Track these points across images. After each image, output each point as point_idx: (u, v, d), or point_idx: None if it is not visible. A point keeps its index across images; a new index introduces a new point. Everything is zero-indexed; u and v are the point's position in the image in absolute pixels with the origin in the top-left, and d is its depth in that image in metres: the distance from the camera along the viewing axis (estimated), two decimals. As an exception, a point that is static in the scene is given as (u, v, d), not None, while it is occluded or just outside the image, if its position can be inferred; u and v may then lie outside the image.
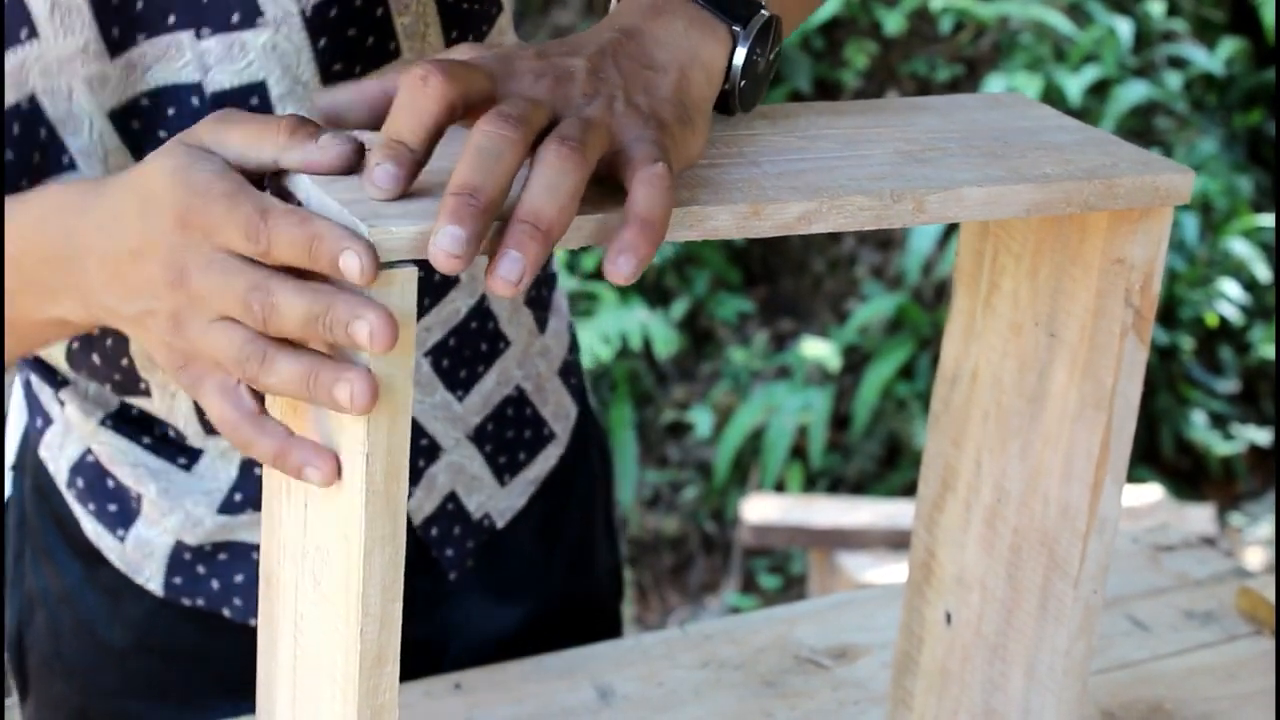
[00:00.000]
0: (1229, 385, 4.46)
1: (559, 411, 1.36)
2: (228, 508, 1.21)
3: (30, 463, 1.30)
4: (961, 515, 1.07)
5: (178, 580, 1.25)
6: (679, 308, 4.36)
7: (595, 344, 4.13)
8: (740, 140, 0.90)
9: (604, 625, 1.47)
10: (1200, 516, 3.50)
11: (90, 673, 1.30)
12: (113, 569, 1.26)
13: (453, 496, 1.28)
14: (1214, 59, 4.53)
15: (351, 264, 0.76)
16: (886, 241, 4.50)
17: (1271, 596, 1.41)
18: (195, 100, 1.08)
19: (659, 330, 4.21)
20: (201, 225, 0.82)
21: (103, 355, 1.16)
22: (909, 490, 4.03)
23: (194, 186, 0.82)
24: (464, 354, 1.25)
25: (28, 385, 1.28)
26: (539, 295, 1.32)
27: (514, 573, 1.36)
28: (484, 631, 1.34)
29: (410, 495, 1.22)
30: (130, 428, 1.21)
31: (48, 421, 1.26)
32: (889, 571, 3.17)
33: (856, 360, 4.31)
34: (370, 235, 0.75)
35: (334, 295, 0.78)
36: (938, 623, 1.10)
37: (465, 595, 1.33)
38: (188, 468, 1.21)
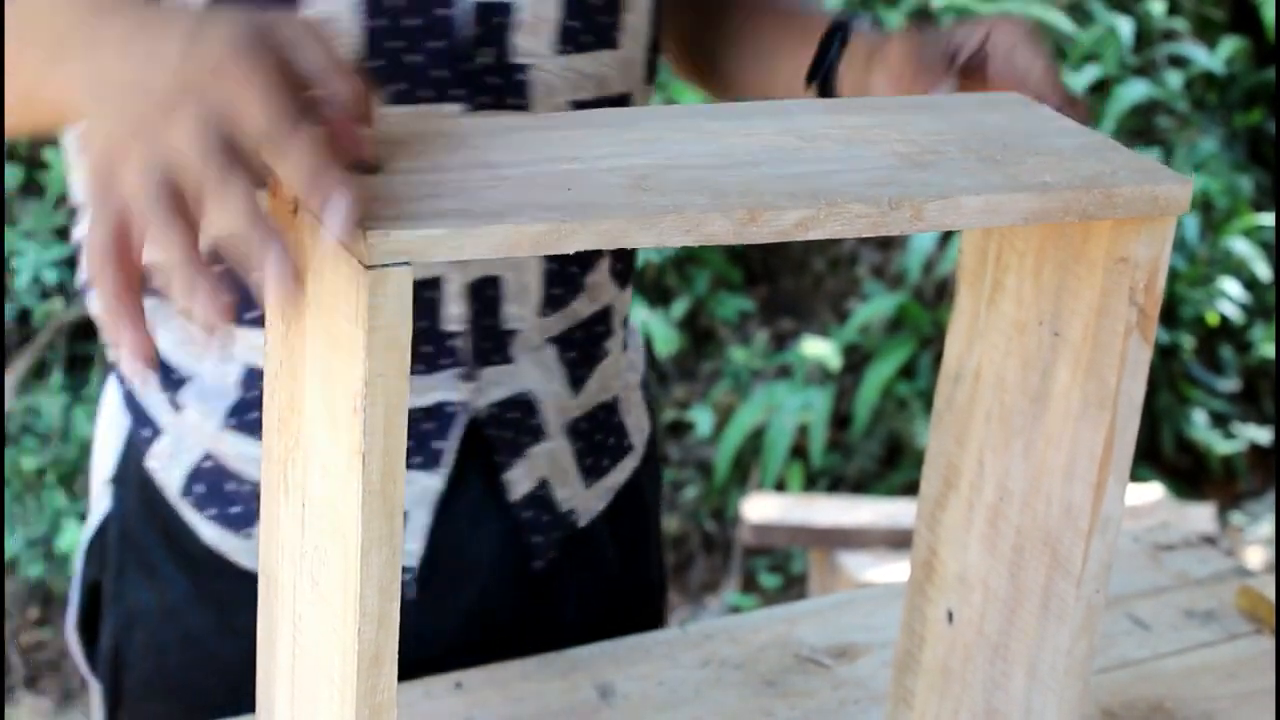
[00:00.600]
0: (1230, 384, 4.46)
1: (638, 425, 1.40)
2: None
3: (135, 476, 1.29)
4: (964, 514, 1.07)
5: None
6: (679, 307, 4.36)
7: (595, 343, 4.12)
8: (741, 138, 0.90)
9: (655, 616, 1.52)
10: (1201, 515, 3.49)
11: (196, 690, 1.30)
12: (226, 582, 1.26)
13: (545, 484, 1.31)
14: (1214, 58, 4.53)
15: (334, 216, 0.75)
16: (887, 241, 4.50)
17: (1272, 595, 1.41)
18: None
19: (659, 329, 4.21)
20: (236, 81, 0.78)
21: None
22: (909, 489, 4.03)
23: (253, 45, 0.79)
24: (585, 353, 1.30)
25: (129, 397, 1.27)
26: (625, 315, 1.37)
27: (595, 577, 1.39)
28: (558, 627, 1.37)
29: (511, 467, 1.28)
30: (254, 422, 1.22)
31: (157, 432, 1.26)
32: (889, 571, 3.17)
33: (857, 359, 4.31)
34: (368, 238, 0.75)
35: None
36: (939, 621, 1.10)
37: (554, 589, 1.36)
38: None
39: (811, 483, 4.22)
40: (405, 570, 1.26)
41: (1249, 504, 4.39)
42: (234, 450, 1.24)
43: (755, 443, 4.19)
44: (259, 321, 1.17)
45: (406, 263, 0.76)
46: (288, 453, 0.87)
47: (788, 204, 0.82)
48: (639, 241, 0.80)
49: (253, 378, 1.22)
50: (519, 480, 1.29)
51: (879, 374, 4.17)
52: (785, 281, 4.59)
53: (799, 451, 4.21)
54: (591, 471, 1.35)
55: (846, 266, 4.54)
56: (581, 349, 1.30)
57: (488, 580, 1.31)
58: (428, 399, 1.23)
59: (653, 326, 4.21)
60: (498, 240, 0.77)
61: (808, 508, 3.49)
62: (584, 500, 1.35)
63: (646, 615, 1.48)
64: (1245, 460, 4.45)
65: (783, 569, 4.12)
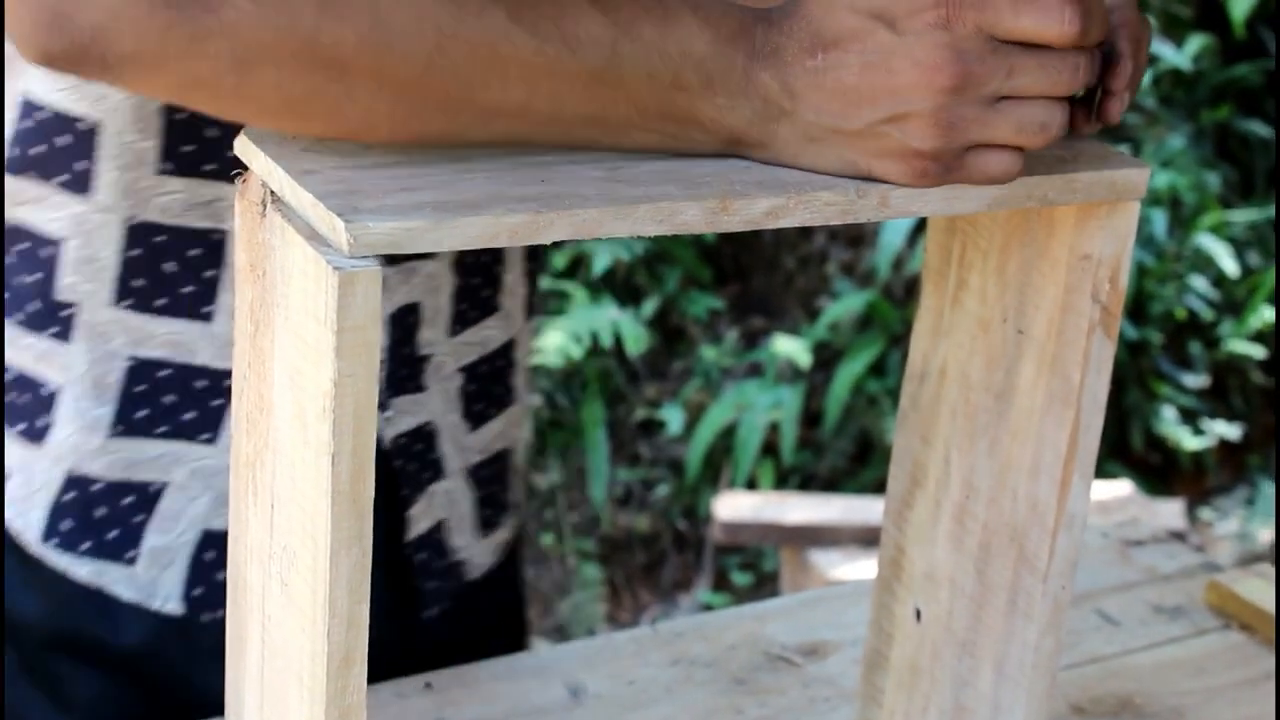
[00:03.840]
0: (1198, 380, 4.48)
1: (520, 483, 1.35)
2: None
3: None
4: (931, 512, 1.07)
5: (198, 591, 1.18)
6: (650, 305, 4.36)
7: (566, 342, 4.13)
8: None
9: None
10: (1170, 511, 3.51)
11: None
12: (56, 655, 1.19)
13: (440, 526, 1.26)
14: (1182, 55, 4.55)
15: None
16: (857, 238, 4.50)
17: (1240, 591, 1.41)
18: None
19: (630, 328, 4.21)
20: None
21: (182, 262, 1.11)
22: (880, 487, 4.04)
23: None
24: (489, 388, 1.26)
25: None
26: (528, 361, 1.33)
27: (481, 635, 1.35)
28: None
29: (414, 504, 1.23)
30: (143, 421, 1.14)
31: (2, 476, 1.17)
32: (860, 568, 3.18)
33: (827, 357, 4.31)
34: (347, 230, 0.75)
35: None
36: (907, 619, 1.10)
37: (442, 636, 1.31)
38: (212, 440, 1.15)
39: (783, 480, 4.22)
40: None
41: (1218, 499, 4.40)
42: (124, 456, 1.15)
43: (726, 441, 4.20)
44: (141, 306, 1.12)
45: (376, 263, 0.76)
46: (256, 454, 0.87)
47: (758, 193, 0.83)
48: (614, 231, 0.80)
49: (142, 371, 1.14)
50: (418, 518, 1.24)
51: (849, 371, 4.18)
52: (756, 280, 4.60)
53: (770, 449, 4.21)
54: (487, 524, 1.30)
55: (816, 264, 4.55)
56: (484, 383, 1.25)
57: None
58: None
59: (623, 325, 4.21)
60: (477, 231, 0.78)
61: (779, 505, 3.50)
62: (476, 552, 1.29)
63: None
64: (1214, 456, 4.46)
65: (754, 567, 4.13)
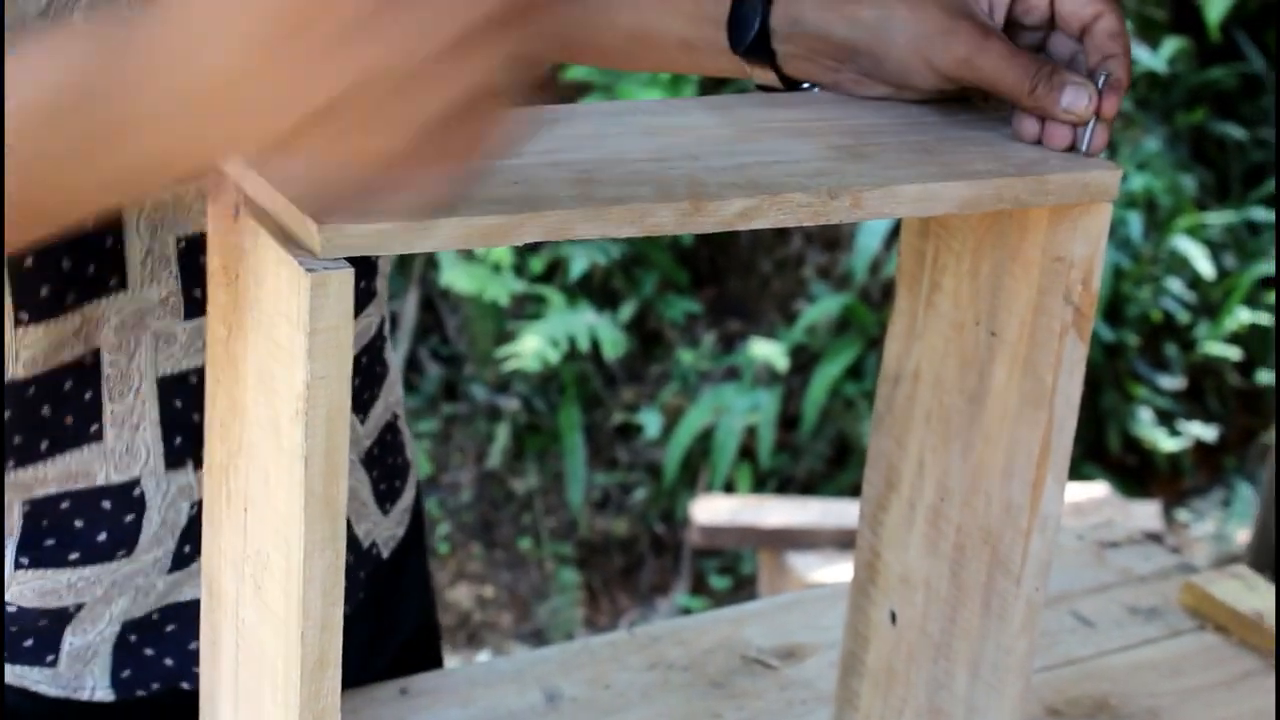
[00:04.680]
0: (1174, 382, 4.49)
1: (409, 439, 1.32)
2: (178, 563, 1.11)
3: None
4: (905, 515, 1.07)
5: (127, 673, 1.13)
6: (627, 309, 4.37)
7: (543, 347, 4.13)
8: (681, 132, 0.91)
9: (434, 656, 1.43)
10: (1146, 513, 3.52)
11: None
12: None
13: (347, 523, 1.22)
14: (1157, 58, 4.56)
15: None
16: (833, 242, 4.51)
17: (1216, 592, 1.42)
18: None
19: (607, 332, 4.21)
20: None
21: (56, 400, 1.04)
22: (858, 489, 4.02)
23: None
24: (374, 371, 1.22)
25: None
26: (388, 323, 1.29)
27: (399, 607, 1.32)
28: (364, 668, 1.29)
29: None
30: (51, 552, 1.08)
31: None
32: (838, 570, 3.18)
33: (805, 360, 4.32)
34: (320, 232, 0.75)
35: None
36: (883, 622, 1.11)
37: (356, 631, 1.27)
38: (129, 554, 1.09)
39: (760, 484, 4.23)
40: None
41: (1194, 501, 4.42)
42: (34, 588, 1.08)
43: (704, 444, 4.20)
44: (25, 459, 1.05)
45: (348, 264, 0.76)
46: (229, 459, 0.87)
47: (730, 194, 0.83)
48: (587, 232, 0.80)
49: (41, 509, 1.07)
50: None
51: (826, 375, 4.18)
52: (732, 283, 4.60)
53: (747, 453, 4.22)
54: (386, 496, 1.26)
55: (793, 268, 4.56)
56: (367, 372, 1.21)
57: None
58: None
59: (600, 329, 4.21)
60: (449, 234, 0.78)
61: (757, 509, 3.50)
62: (384, 529, 1.26)
63: (434, 629, 1.42)
64: (1190, 457, 4.48)
65: (733, 570, 4.13)
